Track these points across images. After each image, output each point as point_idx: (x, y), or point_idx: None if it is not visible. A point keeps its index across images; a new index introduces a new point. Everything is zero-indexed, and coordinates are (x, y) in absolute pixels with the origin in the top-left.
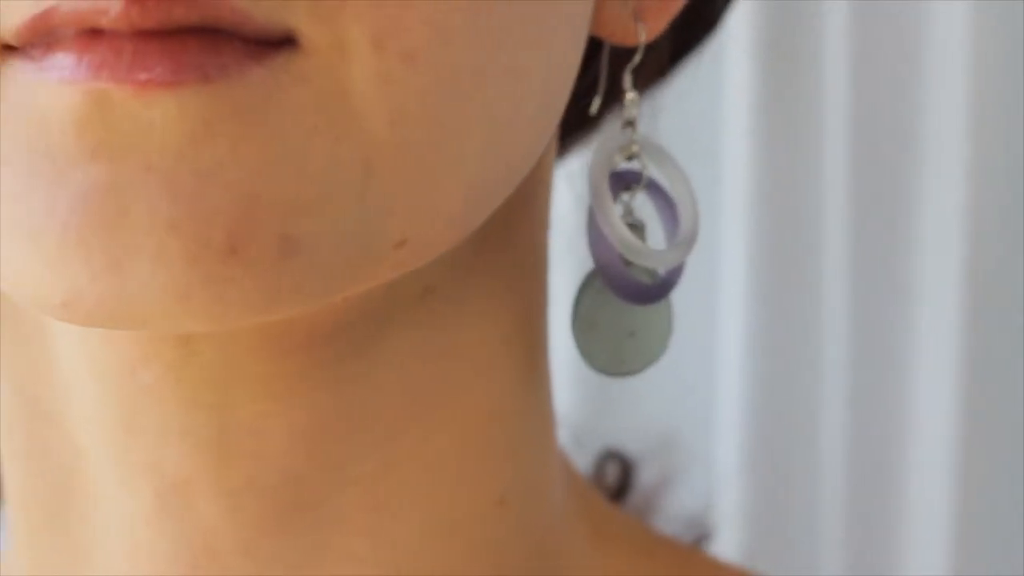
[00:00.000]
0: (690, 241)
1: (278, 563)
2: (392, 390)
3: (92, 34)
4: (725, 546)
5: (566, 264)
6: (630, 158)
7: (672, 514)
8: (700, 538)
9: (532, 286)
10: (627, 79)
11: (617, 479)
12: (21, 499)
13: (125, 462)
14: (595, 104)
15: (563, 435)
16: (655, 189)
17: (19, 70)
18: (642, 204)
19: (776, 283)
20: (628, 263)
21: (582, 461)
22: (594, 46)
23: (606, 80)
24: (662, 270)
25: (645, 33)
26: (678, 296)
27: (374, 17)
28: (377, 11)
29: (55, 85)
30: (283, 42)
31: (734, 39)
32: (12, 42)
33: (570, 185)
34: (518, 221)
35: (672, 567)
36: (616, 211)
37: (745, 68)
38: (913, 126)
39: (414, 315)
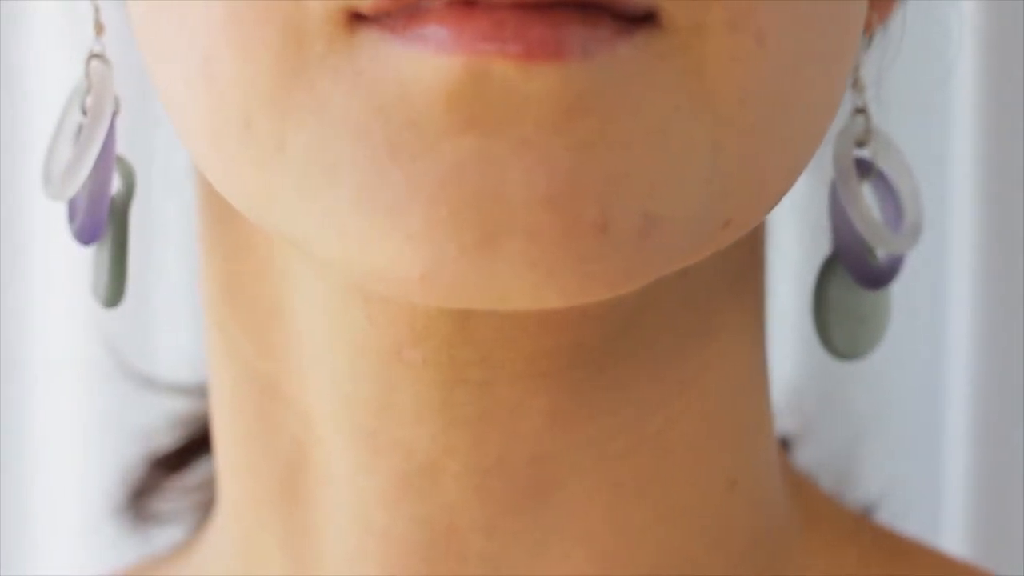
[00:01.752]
0: (919, 230)
1: (518, 543)
2: (644, 371)
3: (466, 5)
4: (950, 544)
5: None
6: (859, 146)
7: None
8: (868, 508)
9: (763, 272)
10: (860, 66)
11: None
12: (244, 477)
13: (369, 443)
14: None
15: None
16: (879, 178)
17: (377, 41)
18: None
19: (1004, 280)
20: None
21: None
22: None
23: None
24: (884, 257)
25: (877, 19)
26: (906, 290)
27: None
28: None
29: (428, 57)
30: (643, 19)
31: (959, 35)
32: (367, 12)
33: None
34: None
35: (880, 551)
36: (863, 195)
37: (971, 64)
38: None
39: (671, 296)
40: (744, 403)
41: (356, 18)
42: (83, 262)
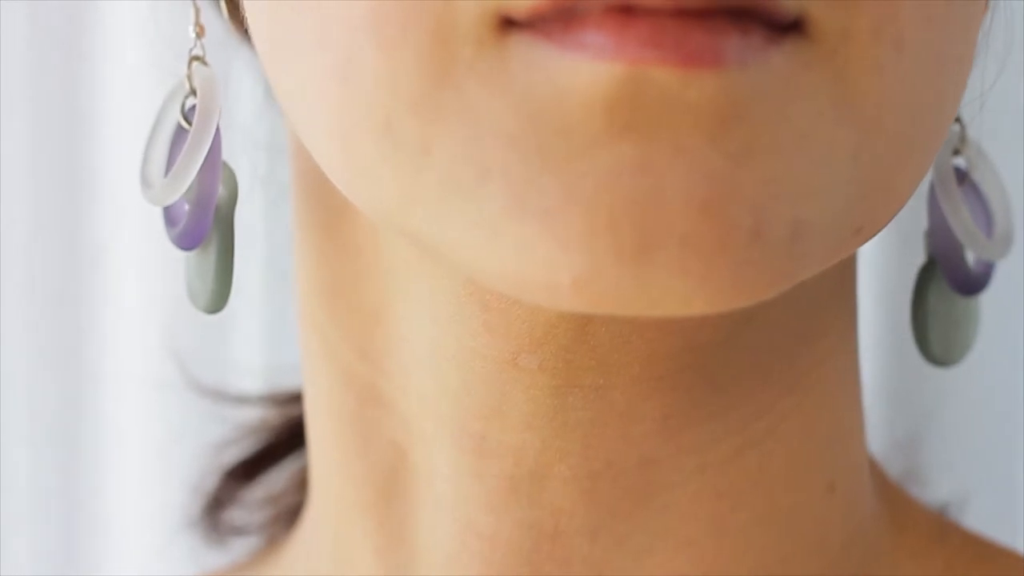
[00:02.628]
0: (1011, 237)
1: (621, 548)
2: (753, 375)
3: (625, 12)
4: None
5: None
6: (953, 154)
7: None
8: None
9: (856, 276)
10: None
11: None
12: (338, 480)
13: (477, 448)
14: None
15: None
16: (970, 186)
17: (530, 46)
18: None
19: None
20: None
21: None
22: None
23: None
24: (975, 264)
25: None
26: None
27: (877, 5)
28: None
29: (585, 63)
30: (789, 27)
31: None
32: (519, 18)
33: None
34: None
35: (966, 555)
36: (963, 203)
37: None
38: None
39: (779, 299)
40: (842, 406)
41: (507, 23)
42: (155, 275)
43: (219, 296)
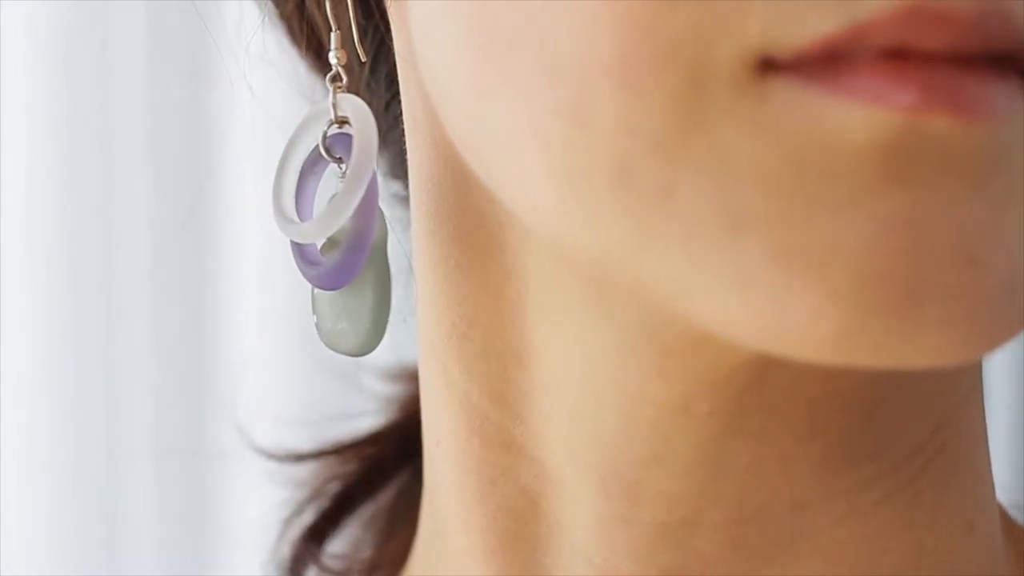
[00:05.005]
0: None
1: None
2: (906, 416)
3: (899, 57)
4: None
5: None
6: None
7: None
8: None
9: None
10: None
11: None
12: (457, 526)
13: (630, 494)
14: None
15: None
16: None
17: (794, 90)
18: None
19: None
20: None
21: None
22: None
23: None
24: None
25: None
26: None
27: None
28: None
29: (857, 109)
30: None
31: None
32: (783, 60)
33: None
34: None
35: None
36: None
37: None
38: None
39: None
40: (979, 442)
41: (766, 65)
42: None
43: (374, 337)
